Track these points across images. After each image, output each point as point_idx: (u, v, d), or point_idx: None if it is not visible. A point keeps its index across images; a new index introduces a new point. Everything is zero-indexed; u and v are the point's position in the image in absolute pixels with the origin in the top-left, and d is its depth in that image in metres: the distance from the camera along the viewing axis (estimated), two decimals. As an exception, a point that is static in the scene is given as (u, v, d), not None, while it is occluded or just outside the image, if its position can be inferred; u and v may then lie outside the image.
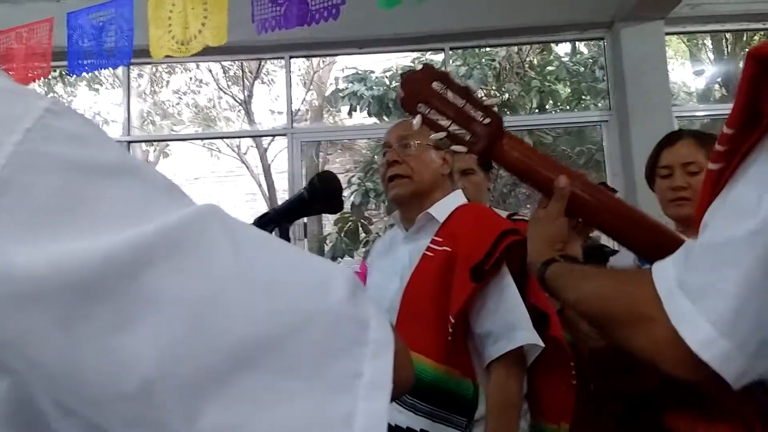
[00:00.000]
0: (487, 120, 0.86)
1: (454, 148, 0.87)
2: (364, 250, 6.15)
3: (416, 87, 0.87)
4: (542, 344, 1.28)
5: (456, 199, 1.45)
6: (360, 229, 6.57)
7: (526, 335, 1.27)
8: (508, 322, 1.27)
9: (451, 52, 4.23)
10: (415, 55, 6.66)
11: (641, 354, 0.59)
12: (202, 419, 0.29)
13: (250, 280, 0.32)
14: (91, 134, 0.32)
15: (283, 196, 6.93)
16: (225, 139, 7.50)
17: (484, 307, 1.29)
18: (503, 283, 1.30)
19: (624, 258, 1.67)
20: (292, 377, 0.31)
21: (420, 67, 0.90)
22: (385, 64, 6.86)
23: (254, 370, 0.30)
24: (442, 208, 1.41)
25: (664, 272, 0.58)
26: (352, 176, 6.81)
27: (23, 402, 0.29)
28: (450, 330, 1.22)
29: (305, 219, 4.03)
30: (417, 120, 0.86)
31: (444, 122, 0.86)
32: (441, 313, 1.26)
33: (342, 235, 6.27)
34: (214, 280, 0.31)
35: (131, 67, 4.24)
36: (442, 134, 0.86)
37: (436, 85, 0.86)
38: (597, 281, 0.71)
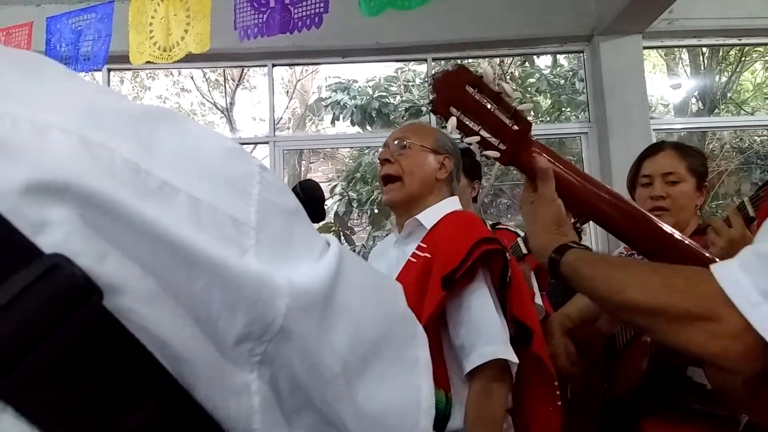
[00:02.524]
0: (516, 126, 0.83)
1: (487, 153, 0.84)
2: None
3: (449, 89, 0.83)
4: (515, 360, 1.22)
5: (449, 205, 1.42)
6: (342, 239, 6.55)
7: (494, 350, 1.20)
8: (478, 335, 1.22)
9: (433, 63, 4.26)
10: (398, 65, 6.70)
11: (697, 348, 0.60)
12: (358, 393, 0.40)
13: (373, 290, 0.45)
14: (281, 184, 0.41)
15: (264, 204, 6.85)
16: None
17: (455, 318, 1.25)
18: (475, 294, 1.25)
19: None
20: (390, 362, 0.43)
21: (451, 67, 0.85)
22: (368, 74, 6.89)
23: (378, 358, 0.42)
24: (431, 214, 1.38)
25: (733, 276, 0.59)
26: (335, 185, 6.80)
27: (273, 388, 0.37)
28: None
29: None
30: (452, 123, 0.83)
31: (475, 127, 0.83)
32: None
33: (324, 245, 6.23)
34: (360, 292, 0.42)
35: (111, 72, 4.20)
36: (476, 139, 0.83)
37: (469, 87, 0.82)
38: (638, 273, 0.69)
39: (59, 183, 0.30)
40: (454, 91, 0.82)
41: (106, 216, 0.31)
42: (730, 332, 0.57)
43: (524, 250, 1.52)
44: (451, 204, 1.43)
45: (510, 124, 0.83)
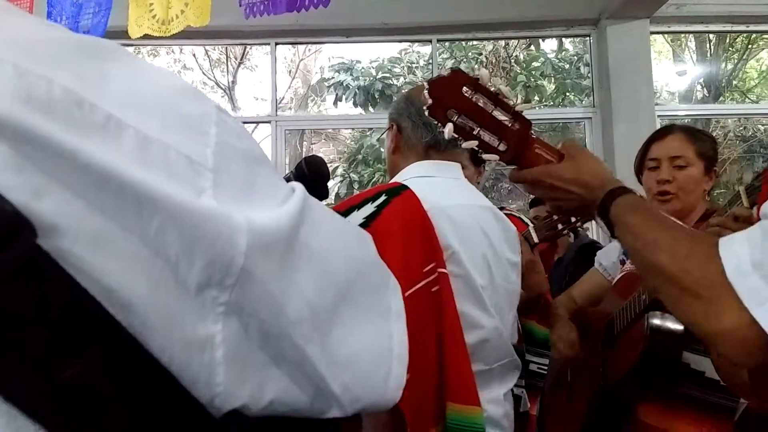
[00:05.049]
0: (516, 125, 0.83)
1: (486, 156, 0.84)
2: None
3: (445, 93, 0.82)
4: None
5: (397, 178, 1.21)
6: (343, 219, 6.54)
7: None
8: None
9: (438, 45, 4.22)
10: (403, 45, 6.64)
11: (699, 330, 0.58)
12: (328, 337, 0.40)
13: (341, 236, 0.44)
14: (241, 128, 0.40)
15: (265, 184, 6.85)
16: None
17: None
18: None
19: (609, 252, 1.68)
20: (362, 308, 0.43)
21: (446, 72, 0.84)
22: (372, 55, 6.84)
23: (348, 303, 0.42)
24: None
25: (734, 249, 0.55)
26: (336, 167, 6.79)
27: (242, 340, 0.36)
28: None
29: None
30: (449, 129, 0.82)
31: (474, 129, 0.83)
32: None
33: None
34: (326, 236, 0.42)
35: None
36: (474, 143, 0.83)
37: (466, 90, 0.82)
38: (672, 237, 0.64)
39: None
40: (450, 95, 0.82)
41: (43, 151, 0.28)
42: (729, 316, 0.54)
43: (535, 239, 1.50)
44: (398, 177, 1.23)
45: (510, 124, 0.83)
